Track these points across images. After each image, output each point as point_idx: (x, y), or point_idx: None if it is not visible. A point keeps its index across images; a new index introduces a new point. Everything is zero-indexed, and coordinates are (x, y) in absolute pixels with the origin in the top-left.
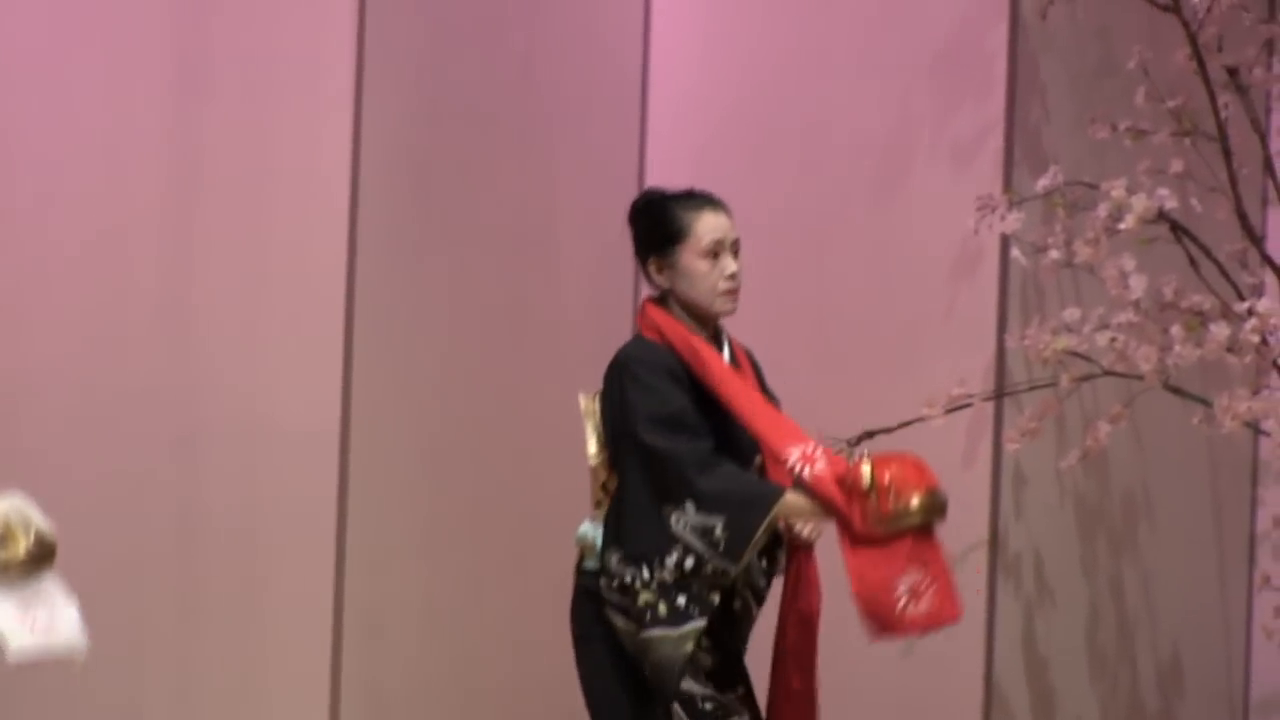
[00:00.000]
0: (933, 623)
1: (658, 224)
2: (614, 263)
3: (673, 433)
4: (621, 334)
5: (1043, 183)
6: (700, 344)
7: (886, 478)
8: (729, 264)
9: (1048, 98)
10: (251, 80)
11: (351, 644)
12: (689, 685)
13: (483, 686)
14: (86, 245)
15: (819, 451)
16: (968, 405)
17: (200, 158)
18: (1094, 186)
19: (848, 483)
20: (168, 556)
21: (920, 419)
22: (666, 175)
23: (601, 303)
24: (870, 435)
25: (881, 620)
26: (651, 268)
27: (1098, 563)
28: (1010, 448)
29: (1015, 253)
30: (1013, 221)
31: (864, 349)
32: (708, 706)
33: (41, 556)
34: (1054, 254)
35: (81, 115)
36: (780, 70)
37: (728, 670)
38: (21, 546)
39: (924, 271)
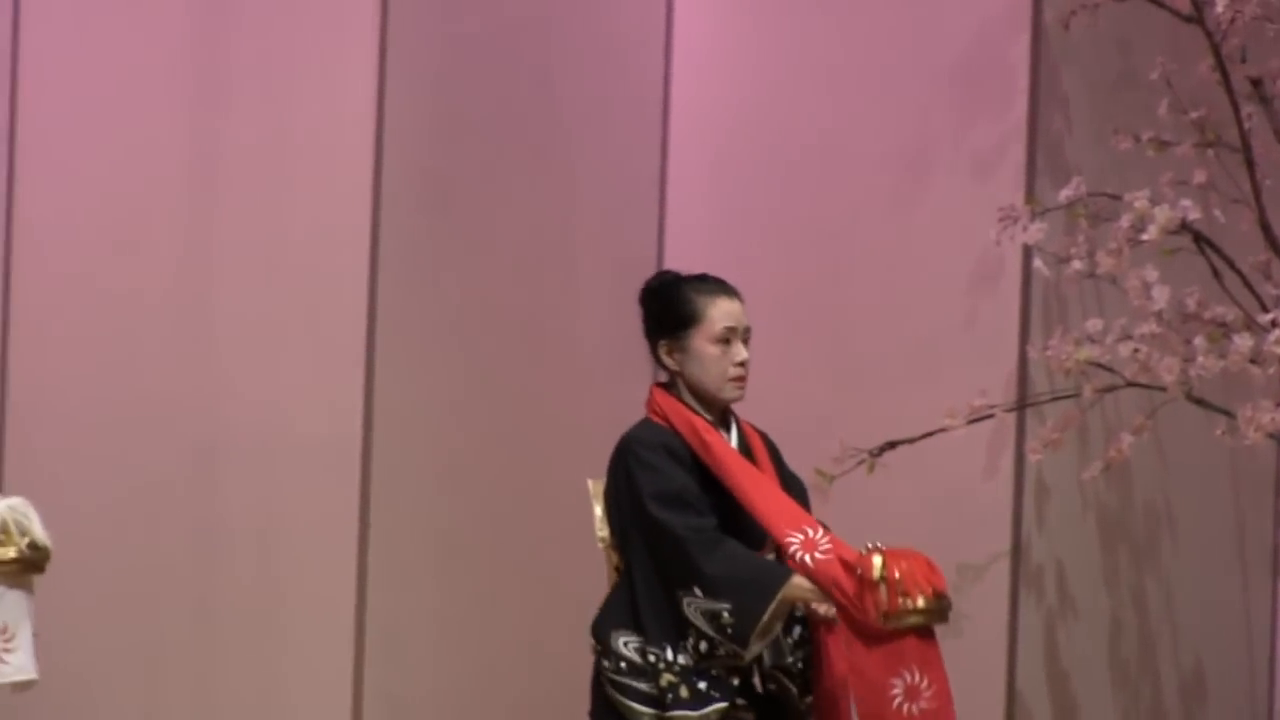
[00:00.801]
0: None
1: (671, 307)
2: (633, 275)
3: (677, 510)
4: (640, 346)
5: (1065, 193)
6: (704, 427)
7: (896, 574)
8: (739, 351)
9: (1070, 108)
10: (271, 92)
11: (373, 656)
12: None
13: (502, 698)
14: (106, 255)
15: (823, 537)
16: (990, 416)
17: (220, 169)
18: (1117, 197)
19: (857, 572)
20: (187, 566)
21: (942, 430)
22: (686, 188)
23: (620, 315)
24: (892, 446)
25: (878, 715)
26: (661, 350)
27: (1120, 574)
28: (1032, 459)
29: (1037, 263)
30: (1035, 232)
31: (885, 360)
32: None
33: (32, 564)
34: (1076, 265)
35: (101, 127)
36: (801, 82)
37: None
38: (13, 549)
39: (946, 282)
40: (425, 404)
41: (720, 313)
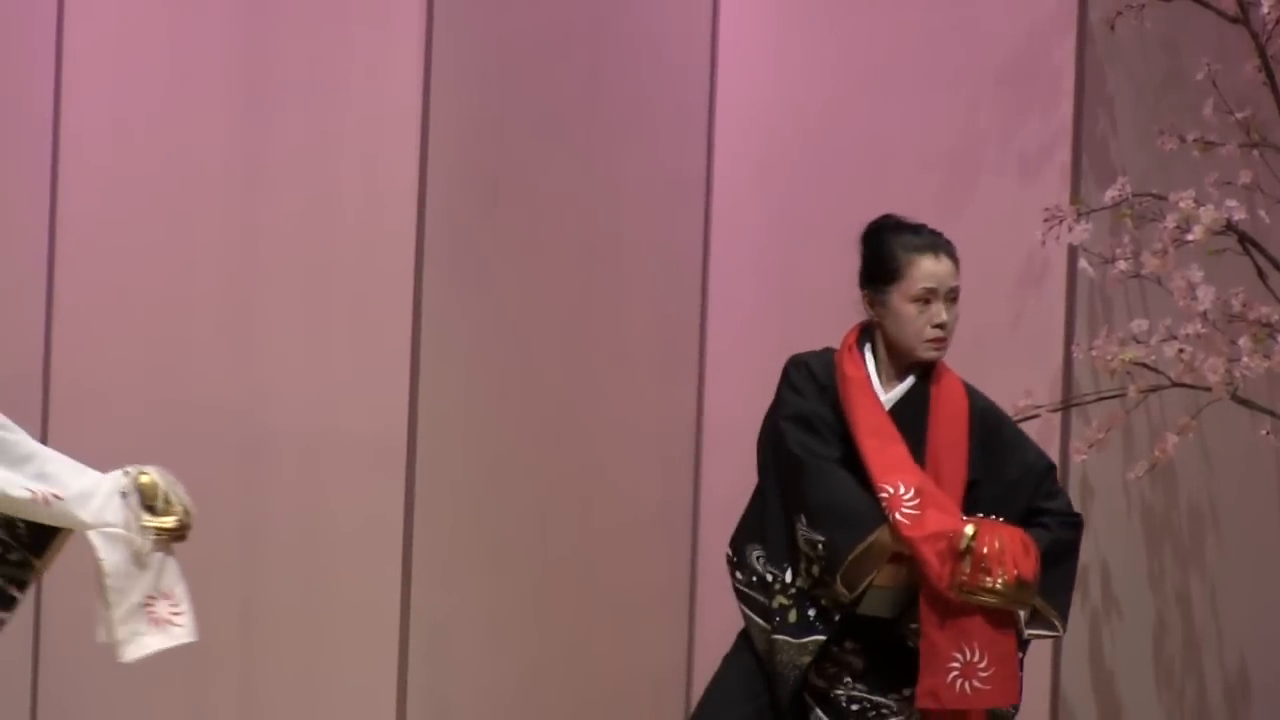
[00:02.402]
0: (981, 703)
1: (875, 258)
2: (679, 275)
3: (803, 431)
4: (687, 346)
5: (1110, 194)
6: (853, 370)
7: (985, 549)
8: (939, 312)
9: (1115, 109)
10: (317, 93)
11: (416, 655)
12: (831, 689)
13: (548, 697)
14: (153, 257)
15: (913, 497)
16: (1035, 416)
17: (265, 170)
18: (1162, 198)
19: (946, 538)
20: (233, 566)
21: None
22: (732, 189)
23: (666, 315)
24: None
25: (932, 686)
26: (865, 299)
27: (1165, 574)
28: (1077, 459)
29: (1083, 264)
30: (1080, 233)
31: None
32: (854, 708)
33: (183, 532)
34: (1121, 265)
35: (145, 129)
36: (847, 83)
37: (887, 671)
38: (174, 518)
39: (991, 282)
40: (471, 403)
41: (921, 273)
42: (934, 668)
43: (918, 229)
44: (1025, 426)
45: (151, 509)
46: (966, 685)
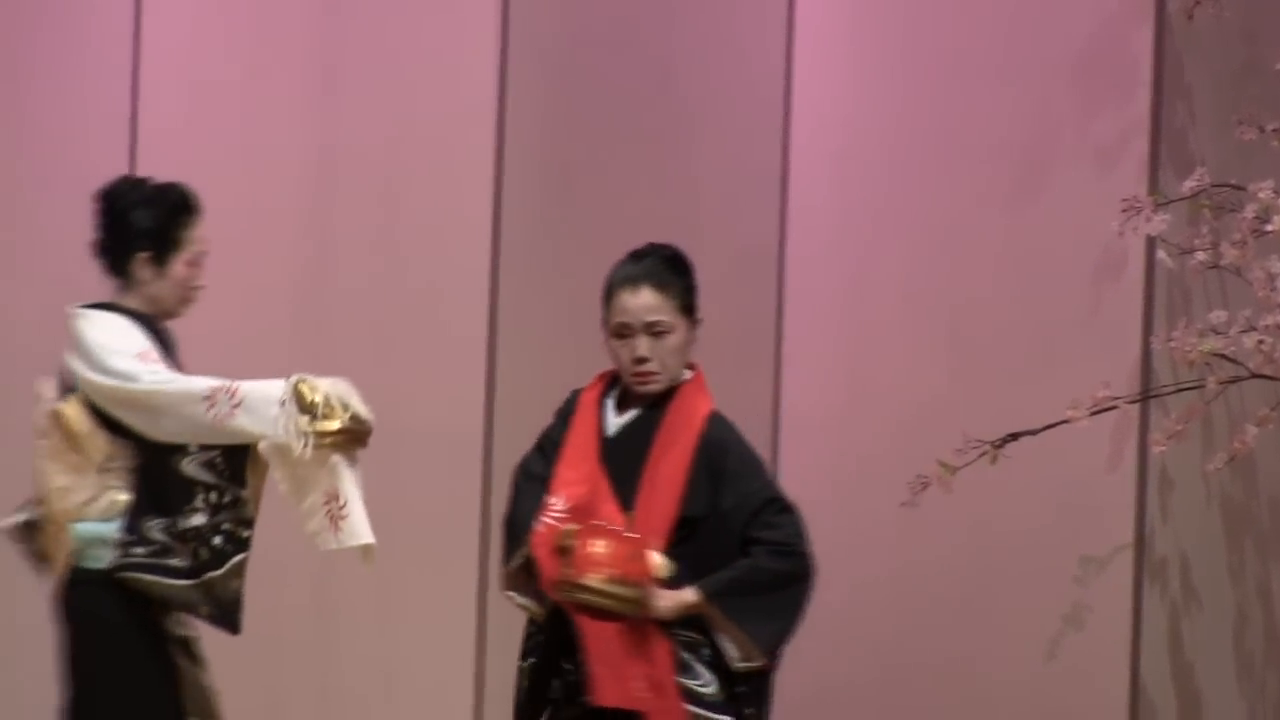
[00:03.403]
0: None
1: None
2: (754, 268)
3: (535, 452)
4: (762, 340)
5: (1188, 184)
6: (587, 395)
7: (586, 549)
8: (637, 347)
9: (1193, 99)
10: (392, 85)
11: (494, 647)
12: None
13: None
14: (226, 250)
15: (566, 508)
16: (1113, 408)
17: (341, 163)
18: (1240, 188)
19: (554, 537)
20: (307, 561)
21: (1065, 421)
22: (808, 180)
23: (741, 307)
24: (1015, 437)
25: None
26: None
27: (1245, 566)
28: (1156, 450)
29: (1161, 255)
30: (1158, 223)
31: (1008, 351)
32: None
33: (355, 436)
34: (1200, 256)
35: (221, 123)
36: (923, 74)
37: None
38: (337, 421)
39: (1069, 274)
40: (546, 395)
41: (617, 307)
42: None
43: (634, 256)
44: (1103, 418)
45: (311, 414)
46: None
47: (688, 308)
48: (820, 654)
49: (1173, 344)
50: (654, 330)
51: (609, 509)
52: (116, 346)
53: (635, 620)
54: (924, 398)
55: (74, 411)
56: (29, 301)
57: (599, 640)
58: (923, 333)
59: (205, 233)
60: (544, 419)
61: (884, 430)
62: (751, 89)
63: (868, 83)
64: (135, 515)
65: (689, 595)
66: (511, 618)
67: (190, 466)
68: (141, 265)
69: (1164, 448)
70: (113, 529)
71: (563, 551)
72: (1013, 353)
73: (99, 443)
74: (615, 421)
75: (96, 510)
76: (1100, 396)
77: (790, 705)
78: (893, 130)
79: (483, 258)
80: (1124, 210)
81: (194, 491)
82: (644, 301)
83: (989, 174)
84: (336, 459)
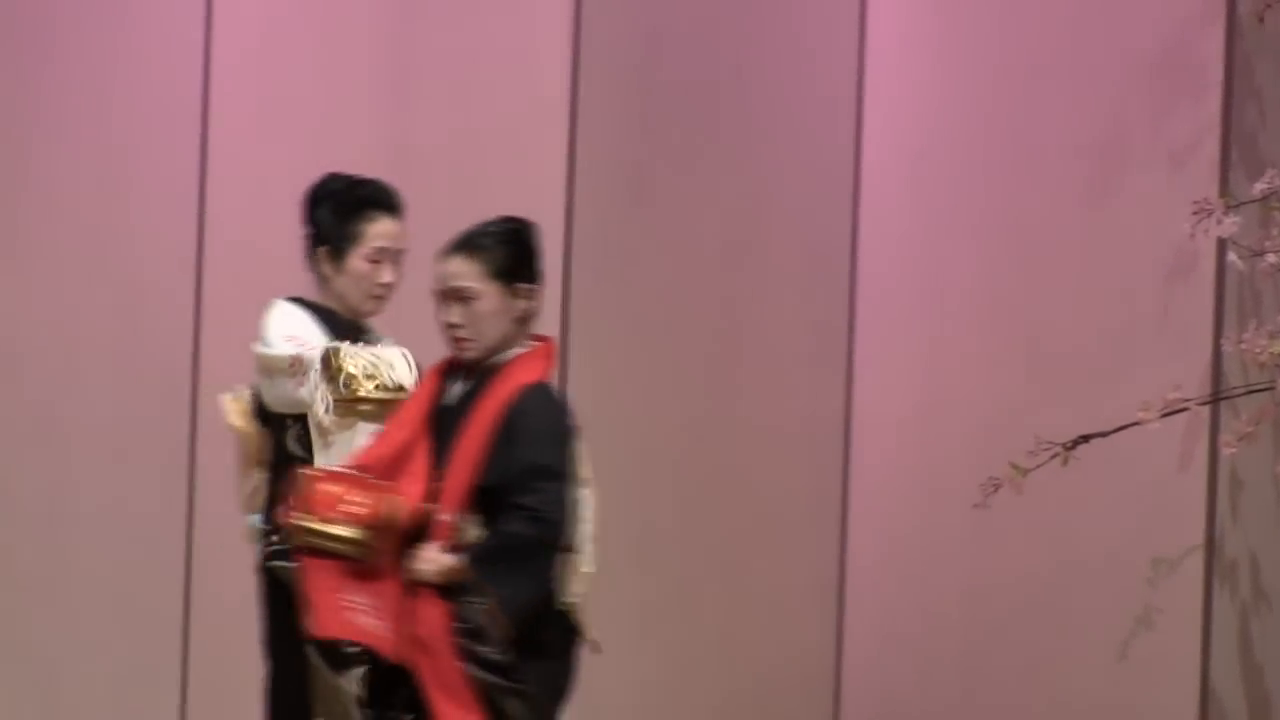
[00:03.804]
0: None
1: None
2: (827, 269)
3: None
4: (835, 340)
5: (1259, 186)
6: (432, 368)
7: (315, 492)
8: (449, 314)
9: (1264, 101)
10: (465, 87)
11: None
12: None
13: (696, 692)
14: (295, 249)
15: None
16: (1184, 409)
17: (413, 166)
18: None
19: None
20: None
21: (1136, 423)
22: (881, 182)
23: (814, 309)
24: (1086, 439)
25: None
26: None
27: None
28: (1227, 452)
29: (1232, 257)
30: (1229, 225)
31: (1079, 353)
32: None
33: (384, 407)
34: (1271, 258)
35: (292, 125)
36: (994, 75)
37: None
38: (361, 391)
39: (1139, 275)
40: (618, 397)
41: (433, 275)
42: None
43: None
44: (1174, 420)
45: (335, 382)
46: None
47: (503, 275)
48: (892, 655)
49: (1243, 346)
50: (461, 296)
51: (415, 474)
52: (275, 326)
53: (387, 571)
54: (996, 400)
55: (237, 405)
56: (101, 301)
57: (315, 572)
58: (994, 335)
59: (399, 229)
60: (616, 418)
61: (956, 432)
62: (824, 91)
63: (940, 85)
64: (269, 504)
65: (448, 559)
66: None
67: (290, 440)
68: (323, 260)
69: (1234, 449)
70: (259, 520)
71: (295, 493)
72: (1084, 355)
73: (255, 434)
74: (454, 391)
75: (257, 503)
76: (1171, 398)
77: (861, 705)
78: (966, 132)
79: (554, 259)
80: (1195, 212)
81: (294, 467)
82: (450, 268)
83: (1061, 176)
84: (366, 428)
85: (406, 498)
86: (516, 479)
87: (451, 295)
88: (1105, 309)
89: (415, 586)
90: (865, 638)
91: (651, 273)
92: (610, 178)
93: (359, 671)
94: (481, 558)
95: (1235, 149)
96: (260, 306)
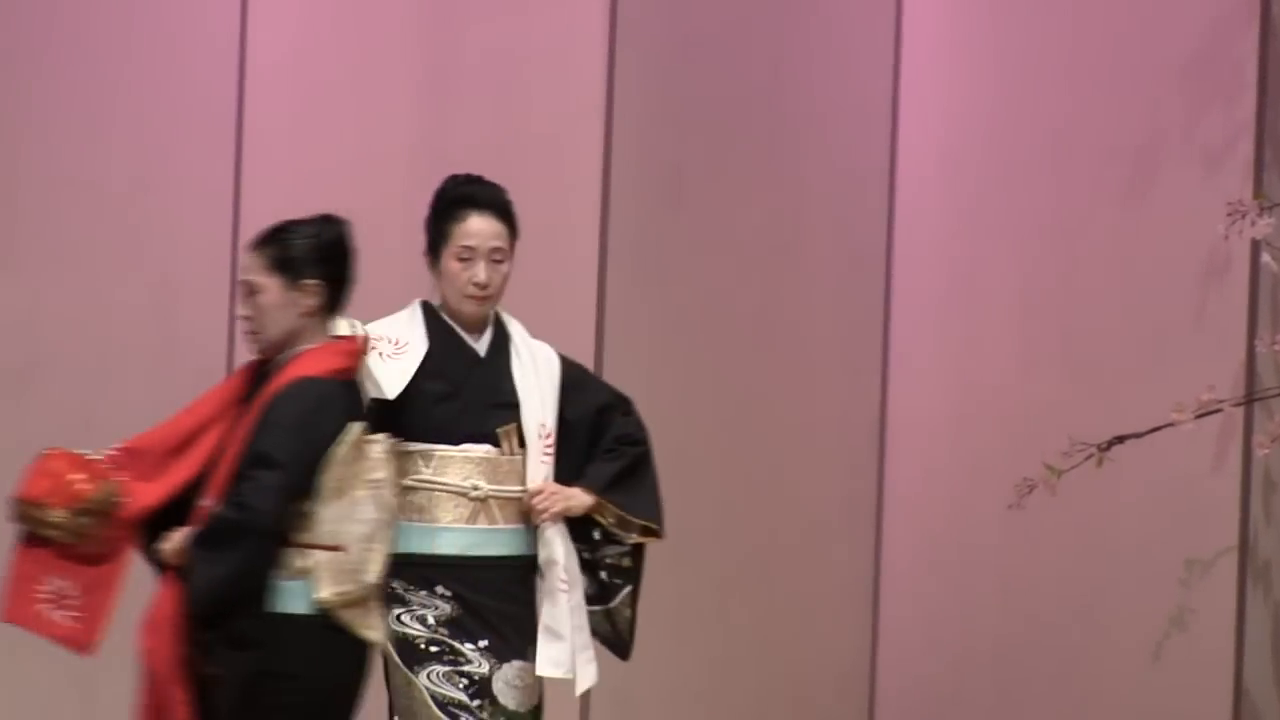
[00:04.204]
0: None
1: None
2: (862, 269)
3: None
4: (870, 340)
5: None
6: (242, 366)
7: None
8: (241, 307)
9: None
10: (500, 87)
11: (602, 652)
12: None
13: (731, 693)
14: None
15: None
16: (1217, 411)
17: (448, 165)
18: None
19: None
20: None
21: (1170, 424)
22: (916, 182)
23: (849, 309)
24: (1120, 440)
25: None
26: None
27: None
28: (1260, 453)
29: (1266, 258)
30: (1263, 227)
31: (1113, 353)
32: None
33: None
34: None
35: (328, 122)
36: (1030, 76)
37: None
38: None
39: (1174, 276)
40: (653, 397)
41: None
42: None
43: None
44: (1208, 421)
45: None
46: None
47: (286, 269)
48: (927, 655)
49: (1277, 347)
50: (249, 289)
51: (189, 460)
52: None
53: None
54: (1030, 401)
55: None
56: (136, 301)
57: (24, 556)
58: (1030, 335)
59: (492, 228)
60: (651, 420)
61: (990, 433)
62: (859, 92)
63: (976, 85)
64: None
65: (179, 540)
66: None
67: None
68: (430, 263)
69: (1268, 450)
70: None
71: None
72: (1118, 356)
73: None
74: (255, 386)
75: None
76: (1205, 399)
77: (896, 705)
78: (1001, 132)
79: (590, 259)
80: (1229, 214)
81: None
82: (242, 261)
83: (1096, 176)
84: None
85: (151, 484)
86: (242, 467)
87: (243, 288)
88: (1139, 310)
89: (165, 568)
90: (900, 638)
91: (687, 274)
92: (646, 179)
93: (437, 669)
94: (193, 539)
95: (1269, 150)
96: None
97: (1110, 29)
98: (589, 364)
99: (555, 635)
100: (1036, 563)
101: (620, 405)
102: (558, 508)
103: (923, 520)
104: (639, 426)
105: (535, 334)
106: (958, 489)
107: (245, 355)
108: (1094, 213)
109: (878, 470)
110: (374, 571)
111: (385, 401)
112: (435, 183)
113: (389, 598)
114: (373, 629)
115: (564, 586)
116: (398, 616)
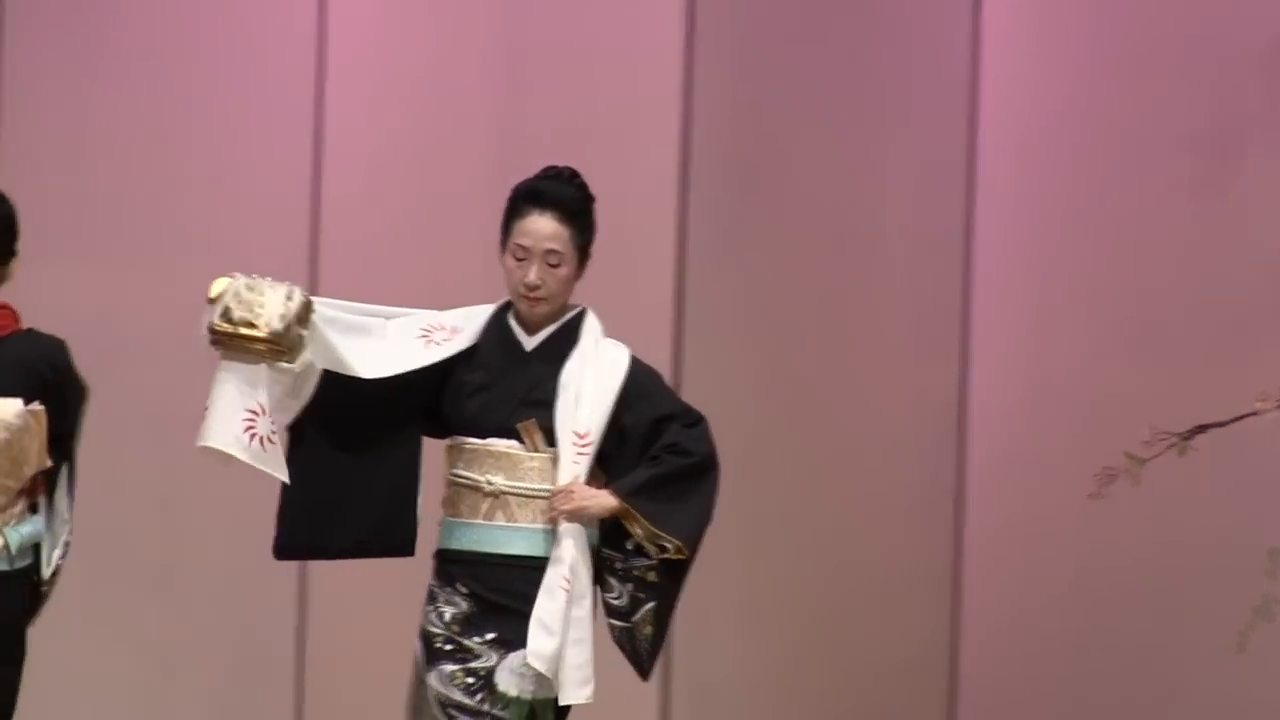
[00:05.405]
0: None
1: None
2: (939, 258)
3: None
4: (947, 328)
5: None
6: None
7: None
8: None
9: None
10: (577, 76)
11: (678, 638)
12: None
13: (807, 680)
14: (411, 237)
15: None
16: None
17: (526, 155)
18: None
19: None
20: None
21: (1253, 413)
22: (994, 172)
23: (926, 298)
24: (1203, 429)
25: None
26: None
27: None
28: None
29: None
30: None
31: (1196, 343)
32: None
33: (225, 339)
34: None
35: (406, 115)
36: (1108, 65)
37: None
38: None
39: (1255, 264)
40: (731, 385)
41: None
42: None
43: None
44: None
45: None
46: None
47: None
48: (1006, 644)
49: None
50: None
51: None
52: None
53: None
54: (1111, 389)
55: None
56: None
57: None
58: (1110, 324)
59: (551, 228)
60: (728, 406)
61: (1070, 421)
62: (937, 80)
63: (1056, 73)
64: None
65: None
66: (694, 609)
67: None
68: (500, 255)
69: None
70: None
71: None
72: (1200, 344)
73: None
74: None
75: None
76: None
77: (976, 694)
78: (1081, 121)
79: (667, 247)
80: None
81: None
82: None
83: (1176, 165)
84: (224, 360)
85: None
86: None
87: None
88: (1220, 298)
89: None
90: (980, 626)
91: (765, 261)
92: (723, 167)
93: (447, 669)
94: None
95: None
96: (373, 297)
97: (1190, 16)
98: (666, 352)
99: (546, 630)
100: (1117, 551)
101: (683, 418)
102: (568, 507)
103: (1002, 508)
104: (698, 441)
105: (613, 325)
106: (1037, 477)
107: None
108: (1174, 200)
109: (956, 458)
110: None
111: (435, 393)
112: (511, 173)
113: (427, 594)
114: None
115: (565, 585)
116: (426, 613)
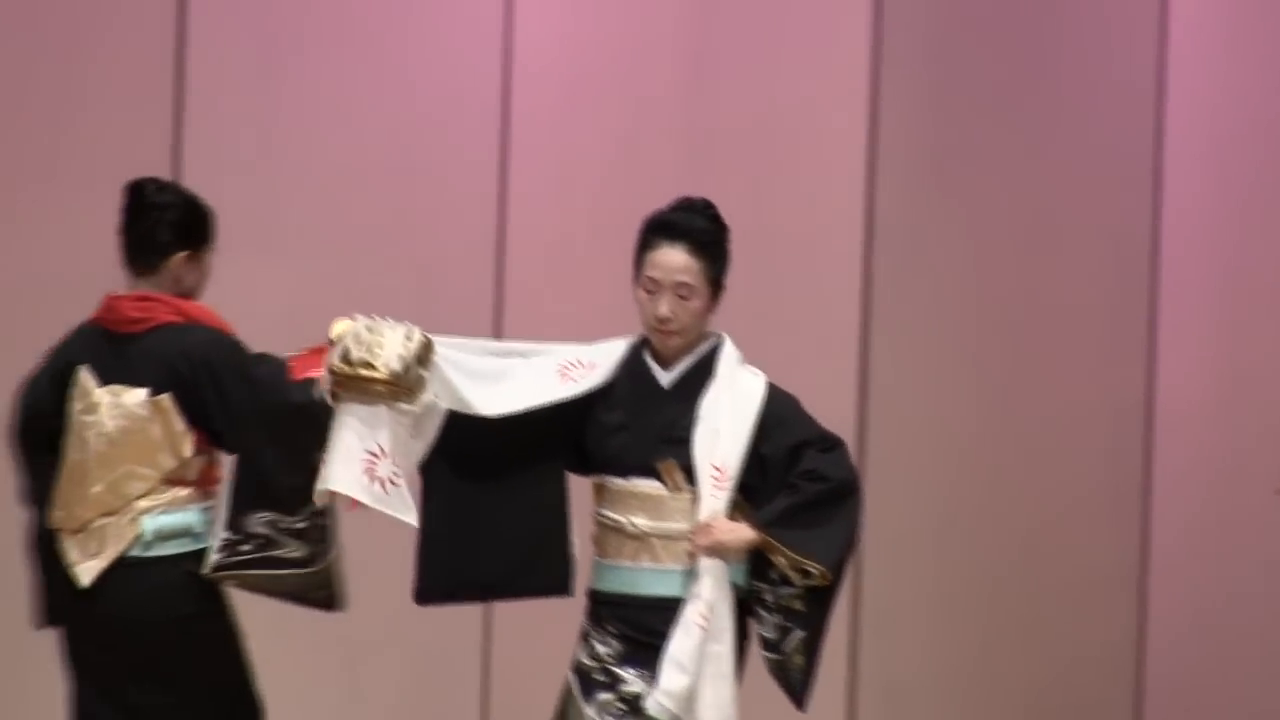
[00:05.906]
0: None
1: None
2: (1128, 258)
3: None
4: (1134, 327)
5: None
6: None
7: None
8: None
9: None
10: (764, 69)
11: (867, 633)
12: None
13: (997, 677)
14: (595, 235)
15: None
16: None
17: (714, 148)
18: None
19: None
20: None
21: None
22: (1183, 167)
23: (1113, 296)
24: None
25: None
26: None
27: None
28: None
29: None
30: None
31: None
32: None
33: (345, 381)
34: None
35: (596, 105)
36: None
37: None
38: (332, 361)
39: None
40: (919, 384)
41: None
42: None
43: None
44: None
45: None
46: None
47: None
48: (1195, 643)
49: None
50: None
51: None
52: None
53: None
54: (1256, 384)
55: None
56: (400, 286)
57: None
58: (1256, 323)
59: (682, 260)
60: (917, 407)
61: (1260, 419)
62: (1125, 76)
63: (1243, 70)
64: None
65: None
66: (884, 605)
67: None
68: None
69: None
70: None
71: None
72: None
73: None
74: None
75: None
76: None
77: (1164, 693)
78: (1270, 116)
79: (855, 245)
80: None
81: None
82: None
83: None
84: (341, 404)
85: None
86: None
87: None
88: None
89: None
90: (1168, 625)
91: (952, 259)
92: (911, 163)
93: (602, 698)
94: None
95: None
96: (560, 295)
97: None
98: (854, 351)
99: (679, 667)
100: None
101: (819, 443)
102: (706, 542)
103: (1191, 507)
104: (835, 465)
105: (799, 323)
106: (1225, 476)
107: (508, 337)
108: None
109: (1144, 457)
110: None
111: (577, 430)
112: (697, 170)
113: (580, 631)
114: None
115: (701, 622)
116: (579, 649)
